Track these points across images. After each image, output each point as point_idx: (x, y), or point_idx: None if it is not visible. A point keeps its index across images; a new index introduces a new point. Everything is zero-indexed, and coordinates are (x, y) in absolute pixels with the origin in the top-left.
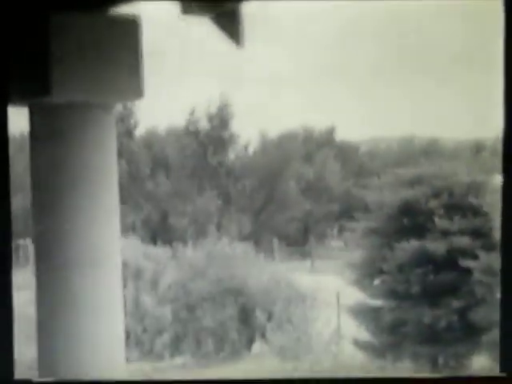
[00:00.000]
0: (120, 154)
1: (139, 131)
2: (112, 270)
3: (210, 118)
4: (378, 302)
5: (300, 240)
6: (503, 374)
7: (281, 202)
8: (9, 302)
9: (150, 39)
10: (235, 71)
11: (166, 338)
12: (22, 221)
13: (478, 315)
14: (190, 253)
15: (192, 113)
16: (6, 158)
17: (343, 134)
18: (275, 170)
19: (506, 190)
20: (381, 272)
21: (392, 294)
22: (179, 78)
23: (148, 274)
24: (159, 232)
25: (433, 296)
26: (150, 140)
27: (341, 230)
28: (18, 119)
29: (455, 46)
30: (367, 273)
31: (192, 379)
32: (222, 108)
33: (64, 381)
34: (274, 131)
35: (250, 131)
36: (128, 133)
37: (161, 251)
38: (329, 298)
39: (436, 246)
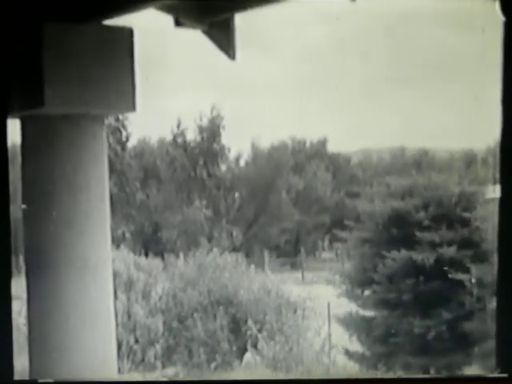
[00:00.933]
0: (111, 166)
1: (131, 143)
2: (103, 280)
3: (202, 130)
4: (368, 313)
5: (291, 251)
6: (505, 375)
7: (272, 213)
8: (8, 308)
9: (143, 51)
10: (226, 83)
11: (157, 348)
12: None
13: (470, 325)
14: (182, 264)
15: (183, 125)
16: (6, 170)
17: (334, 146)
18: (266, 182)
19: (503, 202)
20: (371, 282)
21: (383, 304)
22: (170, 89)
23: (139, 285)
24: (150, 243)
25: (423, 306)
26: (142, 152)
27: (332, 241)
28: (10, 131)
29: (446, 57)
30: (358, 283)
31: (184, 380)
32: (212, 120)
33: (68, 381)
34: (266, 143)
35: (241, 143)
36: (119, 145)
37: (152, 262)
38: (320, 308)
39: (426, 257)
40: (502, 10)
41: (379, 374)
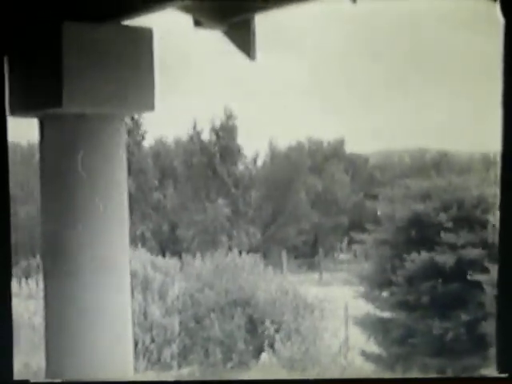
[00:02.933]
0: (129, 165)
1: (148, 143)
2: (121, 280)
3: (220, 130)
4: (386, 314)
5: (309, 252)
6: (505, 375)
7: (290, 214)
8: (8, 306)
9: (162, 51)
10: (245, 83)
11: (173, 348)
12: (27, 231)
13: (487, 327)
14: (199, 264)
15: (201, 125)
16: (6, 169)
17: (353, 147)
18: (284, 182)
19: (504, 201)
20: (390, 284)
21: (401, 305)
22: (189, 89)
23: (156, 285)
24: (168, 243)
25: (442, 308)
26: (159, 152)
27: (350, 242)
28: (27, 130)
29: (467, 58)
30: (376, 284)
31: (194, 379)
32: (231, 120)
33: (60, 382)
34: (284, 143)
35: (259, 143)
36: (137, 144)
37: (169, 262)
38: (337, 309)
39: (445, 259)
40: (502, 11)
41: (396, 376)
